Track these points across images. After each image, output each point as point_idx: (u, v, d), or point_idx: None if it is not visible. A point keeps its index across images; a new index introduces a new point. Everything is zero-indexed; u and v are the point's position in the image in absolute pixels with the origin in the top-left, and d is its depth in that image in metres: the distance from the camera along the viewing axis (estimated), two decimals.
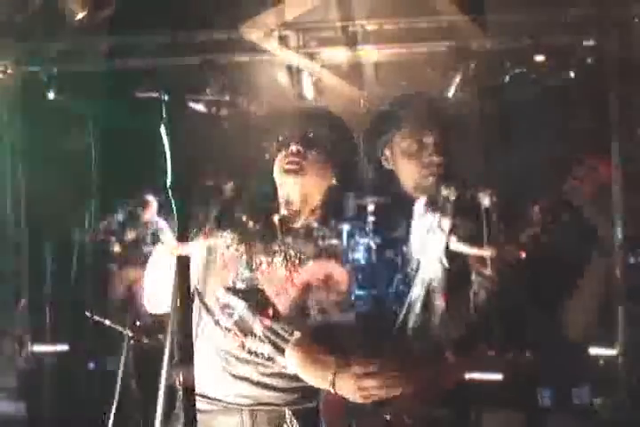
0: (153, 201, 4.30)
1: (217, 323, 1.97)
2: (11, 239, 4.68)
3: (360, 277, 5.54)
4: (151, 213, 4.29)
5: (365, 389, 1.69)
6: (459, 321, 1.79)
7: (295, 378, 1.93)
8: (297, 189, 1.98)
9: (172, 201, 1.26)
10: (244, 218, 2.01)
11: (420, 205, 2.08)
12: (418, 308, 1.95)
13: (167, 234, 1.82)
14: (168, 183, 1.25)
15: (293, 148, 1.97)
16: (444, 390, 1.76)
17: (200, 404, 1.91)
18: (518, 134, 4.39)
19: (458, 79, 4.46)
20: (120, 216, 4.66)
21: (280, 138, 2.02)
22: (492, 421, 1.82)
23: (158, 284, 1.94)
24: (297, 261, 1.96)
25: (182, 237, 1.32)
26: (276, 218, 2.02)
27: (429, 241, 2.01)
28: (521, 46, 4.35)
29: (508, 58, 4.47)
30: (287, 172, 1.97)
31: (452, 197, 1.90)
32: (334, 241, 2.01)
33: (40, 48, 4.58)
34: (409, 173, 2.05)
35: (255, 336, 1.94)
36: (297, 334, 1.91)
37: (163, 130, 1.23)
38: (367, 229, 5.68)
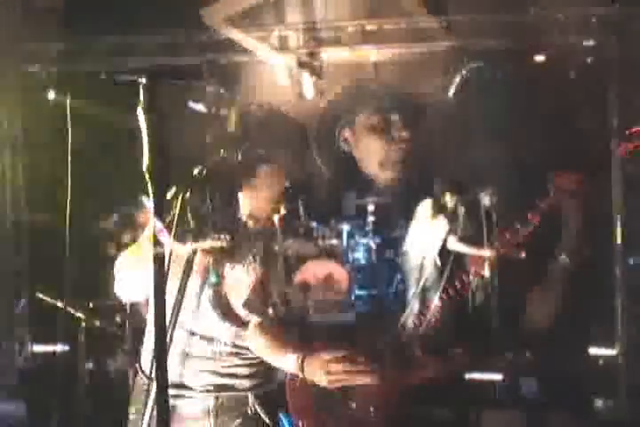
0: (150, 204, 4.27)
1: (181, 326, 1.96)
2: (11, 239, 4.69)
3: (360, 277, 5.53)
4: (147, 215, 4.28)
5: (333, 373, 1.69)
6: (453, 322, 1.79)
7: (257, 364, 1.94)
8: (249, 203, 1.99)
9: (149, 184, 1.21)
10: (245, 218, 2.00)
11: (421, 206, 2.08)
12: (416, 308, 1.96)
13: (165, 235, 1.81)
14: (144, 166, 1.20)
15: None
16: (414, 385, 1.75)
17: None
18: (515, 133, 4.39)
19: (458, 79, 4.46)
20: (117, 217, 4.66)
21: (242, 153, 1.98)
22: (492, 421, 1.82)
23: (133, 273, 1.93)
24: (256, 266, 1.95)
25: (176, 235, 1.31)
26: (276, 218, 2.01)
27: (428, 241, 2.01)
28: (521, 46, 4.35)
29: (507, 57, 4.48)
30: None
31: (452, 199, 1.91)
32: (334, 241, 2.01)
33: (40, 48, 4.58)
34: (374, 150, 2.03)
35: (221, 342, 1.95)
36: (257, 318, 1.91)
37: (140, 114, 1.18)
38: (367, 229, 5.67)
